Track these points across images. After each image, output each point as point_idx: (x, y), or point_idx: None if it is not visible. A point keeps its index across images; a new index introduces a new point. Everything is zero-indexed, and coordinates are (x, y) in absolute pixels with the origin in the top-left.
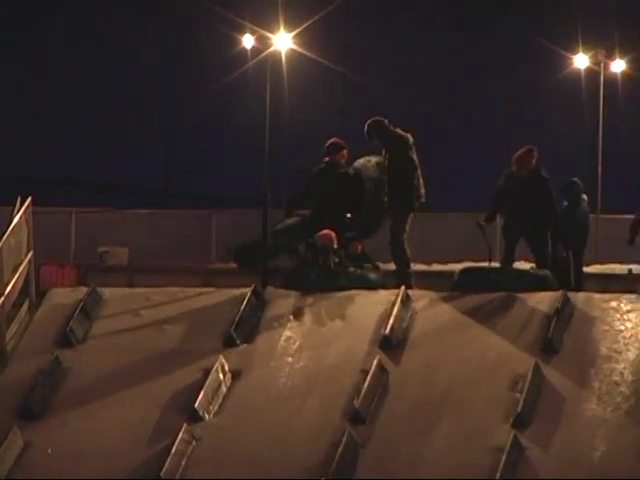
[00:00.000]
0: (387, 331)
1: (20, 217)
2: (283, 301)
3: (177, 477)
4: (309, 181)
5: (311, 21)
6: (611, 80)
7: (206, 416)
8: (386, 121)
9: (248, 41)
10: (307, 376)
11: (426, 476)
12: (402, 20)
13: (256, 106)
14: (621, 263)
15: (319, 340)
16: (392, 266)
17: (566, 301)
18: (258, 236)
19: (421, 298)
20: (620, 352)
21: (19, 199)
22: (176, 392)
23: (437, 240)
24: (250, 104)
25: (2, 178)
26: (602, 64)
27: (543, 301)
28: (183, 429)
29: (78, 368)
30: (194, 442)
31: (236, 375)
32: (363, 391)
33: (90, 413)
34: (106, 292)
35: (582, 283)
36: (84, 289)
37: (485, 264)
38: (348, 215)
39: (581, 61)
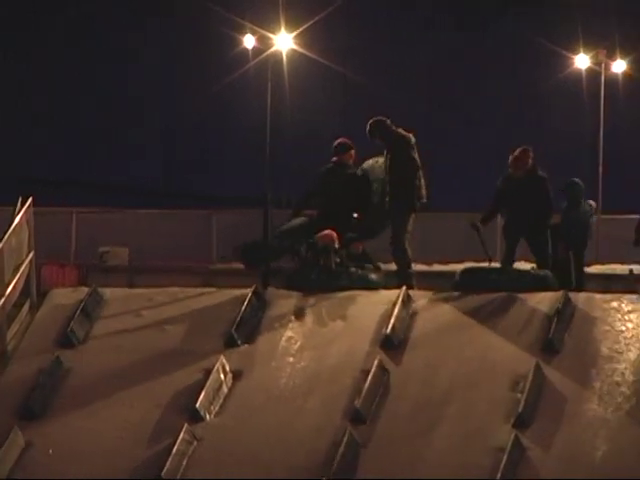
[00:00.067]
0: (388, 331)
1: (21, 217)
2: (284, 301)
3: (178, 477)
4: (317, 181)
5: (312, 21)
6: (612, 80)
7: (207, 416)
8: (388, 121)
9: (249, 41)
10: (308, 376)
11: (427, 476)
12: (402, 20)
13: (257, 106)
14: (622, 263)
15: (320, 340)
16: (393, 266)
17: (567, 301)
18: (263, 236)
19: (422, 298)
20: (621, 352)
21: (20, 199)
22: (177, 392)
23: (438, 240)
24: (251, 104)
25: (2, 178)
26: (603, 64)
27: (544, 301)
28: (184, 429)
29: (79, 368)
30: (195, 442)
31: (237, 375)
32: (364, 391)
33: (91, 413)
34: (107, 292)
35: (583, 283)
36: (85, 289)
37: (486, 264)
38: (355, 215)
39: (582, 61)
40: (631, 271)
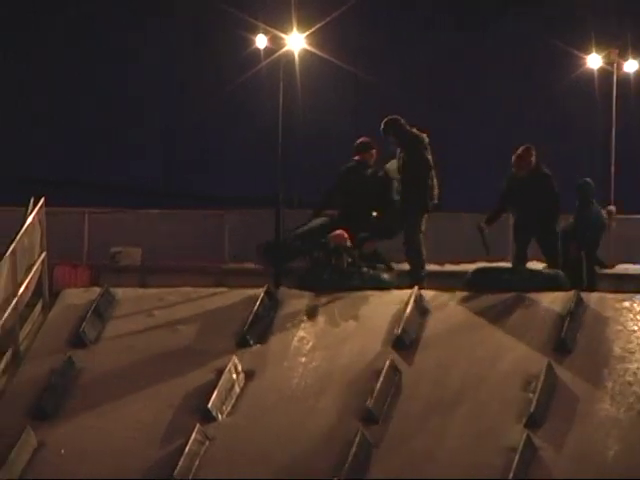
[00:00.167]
0: (400, 331)
1: (33, 217)
2: (296, 301)
3: (190, 477)
4: (337, 180)
5: (324, 22)
6: (624, 80)
7: (219, 416)
8: (402, 120)
9: (261, 41)
10: (320, 376)
11: (439, 476)
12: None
13: (269, 106)
14: (634, 263)
15: (332, 340)
16: (405, 266)
17: (579, 301)
18: (285, 236)
19: (434, 298)
20: (633, 352)
21: (32, 200)
22: (189, 392)
23: (450, 240)
24: (263, 104)
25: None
26: (615, 64)
27: (556, 301)
28: (196, 429)
29: (91, 368)
30: (207, 442)
31: (249, 375)
32: (376, 391)
33: (103, 413)
34: (119, 292)
35: (595, 283)
36: (97, 289)
37: (499, 264)
38: (374, 215)
39: (594, 61)
40: None
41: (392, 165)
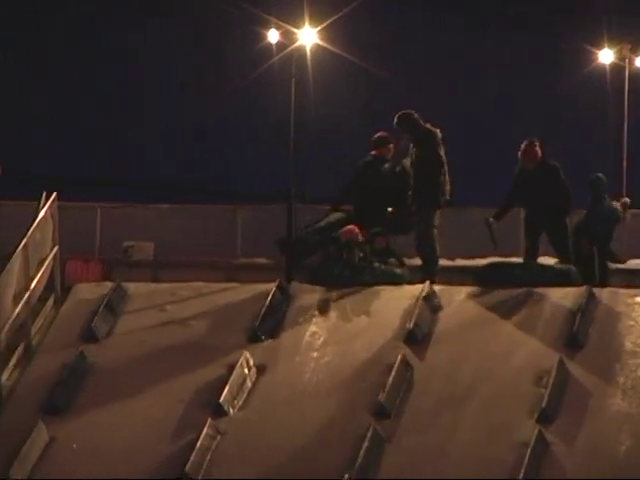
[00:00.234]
0: (412, 326)
1: (45, 212)
2: (308, 296)
3: (202, 472)
4: (355, 174)
5: (336, 16)
6: (636, 75)
7: (231, 411)
8: (416, 115)
9: (273, 36)
10: (332, 371)
11: (451, 470)
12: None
13: (281, 101)
14: None
15: (344, 335)
16: (418, 261)
17: (591, 296)
18: (304, 231)
19: (445, 293)
20: None
21: (44, 194)
22: (201, 387)
23: (461, 235)
24: (275, 99)
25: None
26: (627, 59)
27: (568, 296)
28: (208, 424)
29: (103, 363)
30: (219, 437)
31: (261, 370)
32: (388, 386)
33: (115, 408)
34: (131, 287)
35: (607, 279)
36: (109, 284)
37: (510, 260)
38: (390, 210)
39: (606, 56)
40: None
41: (408, 161)
